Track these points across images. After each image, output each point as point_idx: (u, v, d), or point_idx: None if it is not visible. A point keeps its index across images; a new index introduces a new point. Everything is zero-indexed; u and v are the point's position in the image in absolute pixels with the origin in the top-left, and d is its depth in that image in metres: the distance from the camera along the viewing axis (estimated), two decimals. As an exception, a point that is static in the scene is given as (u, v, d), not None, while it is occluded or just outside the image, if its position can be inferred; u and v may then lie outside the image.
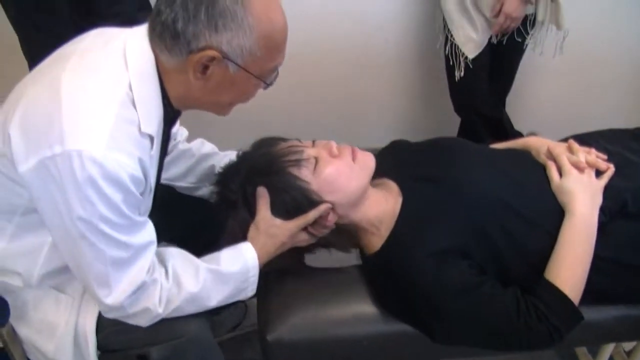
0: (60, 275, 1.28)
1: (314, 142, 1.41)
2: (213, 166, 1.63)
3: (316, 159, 1.35)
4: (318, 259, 1.55)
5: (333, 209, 1.35)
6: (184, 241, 1.77)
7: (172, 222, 1.56)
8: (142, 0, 2.05)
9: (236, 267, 1.29)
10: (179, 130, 1.63)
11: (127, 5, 1.99)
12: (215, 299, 1.28)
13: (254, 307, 1.50)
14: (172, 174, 1.61)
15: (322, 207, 1.33)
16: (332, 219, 1.36)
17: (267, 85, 1.23)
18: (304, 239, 1.39)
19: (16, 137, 1.06)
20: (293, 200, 1.33)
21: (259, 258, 1.31)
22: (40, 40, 1.93)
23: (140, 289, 1.17)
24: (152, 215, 1.29)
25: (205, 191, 1.64)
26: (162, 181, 1.59)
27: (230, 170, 1.42)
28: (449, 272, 1.28)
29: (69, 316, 1.29)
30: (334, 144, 1.39)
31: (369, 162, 1.39)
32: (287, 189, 1.33)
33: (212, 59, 1.10)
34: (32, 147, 1.05)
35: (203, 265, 1.27)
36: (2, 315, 1.25)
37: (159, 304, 1.20)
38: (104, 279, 1.14)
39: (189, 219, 1.61)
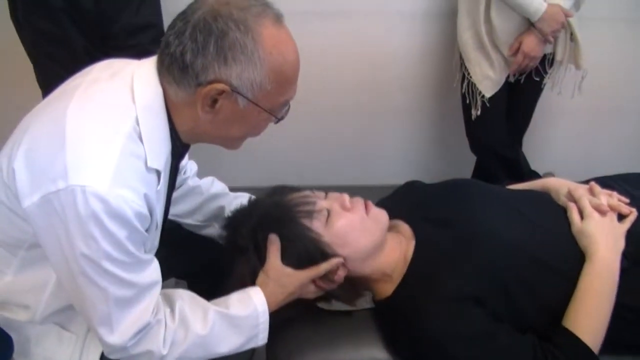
0: (66, 312, 1.24)
1: (326, 193, 1.39)
2: (222, 207, 1.60)
3: (328, 212, 1.32)
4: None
5: (344, 263, 1.32)
6: (190, 278, 1.76)
7: (179, 258, 1.54)
8: (158, 33, 2.05)
9: (245, 312, 1.25)
10: (188, 165, 1.60)
11: (143, 37, 1.99)
12: (225, 345, 1.24)
13: (262, 352, 1.47)
14: (179, 210, 1.58)
15: (334, 261, 1.30)
16: (341, 274, 1.33)
17: (278, 119, 1.20)
18: (312, 290, 1.35)
19: (20, 172, 1.04)
20: (305, 250, 1.30)
21: (267, 305, 1.28)
22: (55, 72, 1.93)
23: (144, 330, 1.13)
24: (160, 251, 1.27)
25: (211, 230, 1.62)
26: (171, 217, 1.57)
27: (241, 214, 1.40)
28: (463, 320, 1.24)
29: (71, 354, 1.26)
30: (346, 197, 1.36)
31: (381, 217, 1.37)
32: (300, 238, 1.30)
33: (221, 92, 1.08)
34: (36, 183, 1.03)
35: (212, 308, 1.23)
36: (7, 351, 1.22)
37: (163, 345, 1.16)
38: (106, 319, 1.10)
39: (196, 256, 1.58)
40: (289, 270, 1.29)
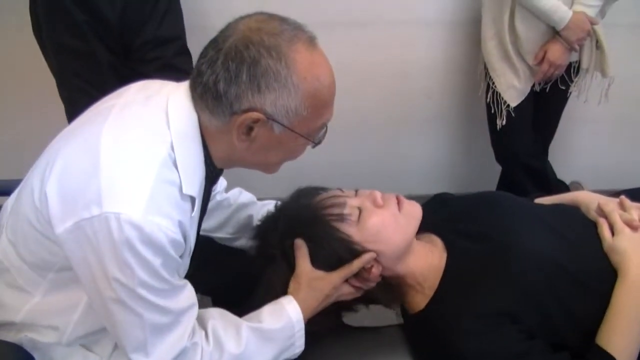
0: (93, 335, 1.23)
1: (356, 191, 1.36)
2: (251, 216, 1.58)
3: (360, 210, 1.30)
4: (355, 318, 1.49)
5: (377, 260, 1.29)
6: (215, 294, 1.74)
7: (203, 274, 1.53)
8: (181, 46, 2.05)
9: (280, 324, 1.22)
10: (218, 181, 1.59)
11: (166, 50, 1.99)
12: (261, 359, 1.21)
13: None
14: (209, 225, 1.56)
15: (366, 257, 1.27)
16: (376, 271, 1.30)
17: (316, 144, 1.18)
18: (348, 292, 1.31)
19: (53, 197, 1.03)
20: (335, 252, 1.27)
21: (302, 312, 1.25)
22: (80, 87, 1.94)
23: (180, 356, 1.11)
24: (191, 266, 1.25)
25: (244, 242, 1.58)
26: (202, 233, 1.55)
27: (267, 223, 1.38)
28: (496, 338, 1.21)
29: None
30: (378, 194, 1.33)
31: (415, 212, 1.34)
32: (328, 240, 1.27)
33: (257, 120, 1.06)
34: (70, 209, 1.01)
35: (245, 325, 1.20)
36: (30, 372, 1.21)
37: None
38: (141, 345, 1.08)
39: (220, 271, 1.57)
40: (320, 273, 1.27)
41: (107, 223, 0.98)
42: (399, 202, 1.33)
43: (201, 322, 1.19)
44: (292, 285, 1.28)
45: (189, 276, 1.26)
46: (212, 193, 1.53)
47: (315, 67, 1.07)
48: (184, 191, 1.06)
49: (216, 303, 1.78)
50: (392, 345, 1.39)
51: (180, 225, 1.06)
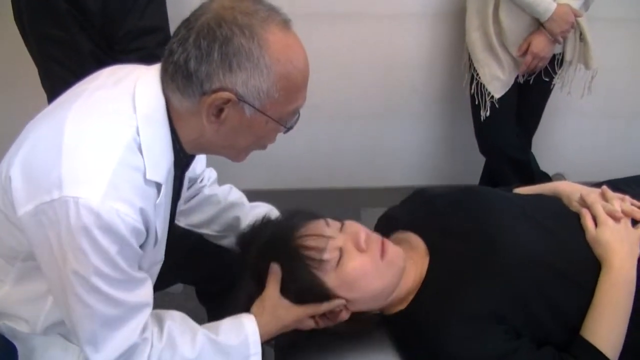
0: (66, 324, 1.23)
1: (342, 224, 1.31)
2: (238, 218, 1.56)
3: (341, 252, 1.24)
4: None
5: (346, 306, 1.26)
6: (198, 284, 1.74)
7: (187, 265, 1.52)
8: (164, 36, 2.03)
9: (236, 340, 1.20)
10: (206, 172, 1.57)
11: (148, 41, 1.98)
12: None
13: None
14: (196, 220, 1.55)
15: (335, 303, 1.24)
16: (344, 315, 1.27)
17: (288, 129, 1.16)
18: (309, 325, 1.28)
19: (17, 179, 1.02)
20: (306, 289, 1.24)
21: (260, 335, 1.22)
22: (61, 76, 1.92)
23: (130, 351, 1.09)
24: (168, 258, 1.25)
25: (229, 241, 1.57)
26: (187, 227, 1.54)
27: (251, 234, 1.35)
28: (483, 340, 1.20)
29: None
30: (362, 236, 1.26)
31: (398, 260, 1.29)
32: (303, 279, 1.23)
33: (227, 101, 1.04)
34: (32, 192, 1.00)
35: (201, 332, 1.18)
36: (12, 360, 1.20)
37: None
38: (92, 337, 1.06)
39: (205, 262, 1.56)
40: (286, 302, 1.24)
41: (66, 207, 0.96)
42: (383, 248, 1.27)
43: (159, 320, 1.17)
44: (256, 306, 1.26)
45: (172, 266, 1.25)
46: (199, 185, 1.53)
47: (289, 50, 1.06)
48: (148, 177, 1.05)
49: (199, 293, 1.79)
50: (371, 334, 1.37)
51: (142, 212, 1.04)
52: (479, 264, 1.29)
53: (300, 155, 2.61)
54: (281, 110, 1.10)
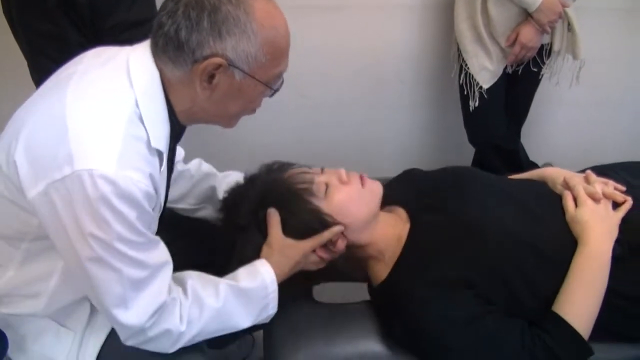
0: (64, 308, 1.25)
1: (322, 169, 1.42)
2: (213, 187, 1.63)
3: (327, 185, 1.36)
4: (325, 294, 1.52)
5: (343, 233, 1.36)
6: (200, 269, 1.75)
7: (187, 250, 1.53)
8: (151, 28, 2.04)
9: (254, 283, 1.28)
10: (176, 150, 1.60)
11: (137, 32, 1.98)
12: (239, 318, 1.26)
13: (261, 341, 1.47)
14: (171, 195, 1.57)
15: (336, 229, 1.35)
16: (341, 243, 1.37)
17: (274, 91, 1.22)
18: (315, 260, 1.38)
19: (23, 164, 1.04)
20: (306, 222, 1.34)
21: (275, 275, 1.30)
22: (50, 69, 1.92)
23: (160, 310, 1.14)
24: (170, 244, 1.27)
25: (205, 212, 1.64)
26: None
27: (237, 194, 1.43)
28: (452, 302, 1.26)
29: (69, 351, 1.26)
30: (343, 172, 1.41)
31: (376, 189, 1.41)
32: (301, 211, 1.34)
33: (218, 66, 1.09)
34: (41, 172, 1.03)
35: (223, 281, 1.26)
36: (1, 349, 1.21)
37: (180, 323, 1.17)
38: (121, 300, 1.10)
39: (203, 247, 1.57)
40: (290, 241, 1.34)
41: (80, 180, 0.99)
42: (362, 180, 1.41)
43: (180, 281, 1.23)
44: (264, 251, 1.34)
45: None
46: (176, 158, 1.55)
47: (272, 17, 1.12)
48: (153, 145, 1.09)
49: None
50: (360, 320, 1.42)
51: (152, 178, 1.09)
52: (455, 234, 1.35)
53: (288, 145, 2.62)
54: (268, 74, 1.16)
